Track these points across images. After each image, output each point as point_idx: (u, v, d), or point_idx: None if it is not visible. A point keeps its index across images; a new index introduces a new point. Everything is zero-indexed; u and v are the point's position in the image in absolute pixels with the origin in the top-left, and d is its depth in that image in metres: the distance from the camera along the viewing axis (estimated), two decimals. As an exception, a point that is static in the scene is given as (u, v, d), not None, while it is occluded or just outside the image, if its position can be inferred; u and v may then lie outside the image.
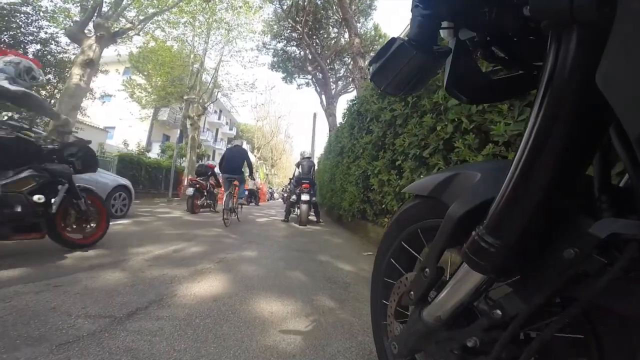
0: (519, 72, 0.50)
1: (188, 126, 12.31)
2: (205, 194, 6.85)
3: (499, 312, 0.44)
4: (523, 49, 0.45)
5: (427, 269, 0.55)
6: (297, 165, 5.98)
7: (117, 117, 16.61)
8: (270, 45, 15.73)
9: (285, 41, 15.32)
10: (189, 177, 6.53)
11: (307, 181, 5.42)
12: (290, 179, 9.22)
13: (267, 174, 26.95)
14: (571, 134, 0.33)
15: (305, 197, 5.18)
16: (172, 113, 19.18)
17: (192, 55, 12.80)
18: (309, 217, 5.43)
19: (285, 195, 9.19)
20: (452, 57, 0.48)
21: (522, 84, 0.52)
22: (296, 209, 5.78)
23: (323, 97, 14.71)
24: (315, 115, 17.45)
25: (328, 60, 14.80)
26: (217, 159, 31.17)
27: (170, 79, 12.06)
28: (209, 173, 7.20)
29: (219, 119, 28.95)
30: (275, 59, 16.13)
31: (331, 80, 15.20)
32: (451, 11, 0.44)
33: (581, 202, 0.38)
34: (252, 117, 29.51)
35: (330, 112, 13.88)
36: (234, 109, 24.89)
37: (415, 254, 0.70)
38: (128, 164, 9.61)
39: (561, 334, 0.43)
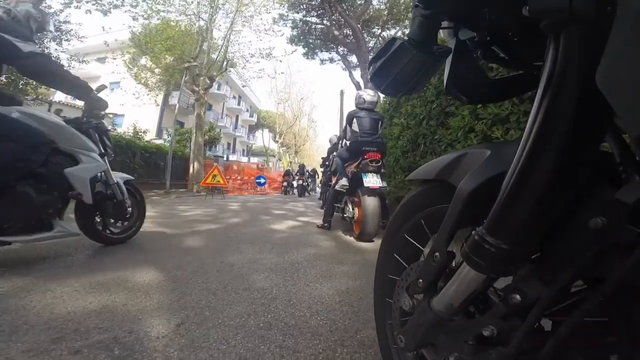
0: (519, 72, 0.50)
1: (193, 101, 10.10)
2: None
3: (517, 296, 0.39)
4: (523, 49, 0.44)
5: (436, 253, 0.48)
6: (349, 120, 2.94)
7: (127, 104, 14.84)
8: (288, 17, 13.23)
9: (304, 11, 12.71)
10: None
11: (375, 148, 2.65)
12: (324, 159, 6.30)
13: (290, 162, 24.60)
14: (570, 134, 0.31)
15: (374, 180, 2.45)
16: (185, 97, 17.32)
17: (197, 24, 10.39)
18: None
19: (324, 179, 5.75)
20: (452, 57, 0.48)
21: (522, 84, 0.52)
22: (347, 204, 2.97)
23: (352, 71, 11.98)
24: (342, 92, 14.78)
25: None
26: (238, 146, 29.59)
27: (172, 50, 9.86)
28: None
29: (239, 104, 26.99)
30: (294, 32, 13.73)
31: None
32: (451, 11, 0.43)
33: (599, 178, 0.34)
34: (273, 100, 27.11)
35: (367, 78, 11.05)
36: (249, 84, 22.59)
37: (420, 247, 0.62)
38: (117, 148, 7.52)
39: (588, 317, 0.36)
